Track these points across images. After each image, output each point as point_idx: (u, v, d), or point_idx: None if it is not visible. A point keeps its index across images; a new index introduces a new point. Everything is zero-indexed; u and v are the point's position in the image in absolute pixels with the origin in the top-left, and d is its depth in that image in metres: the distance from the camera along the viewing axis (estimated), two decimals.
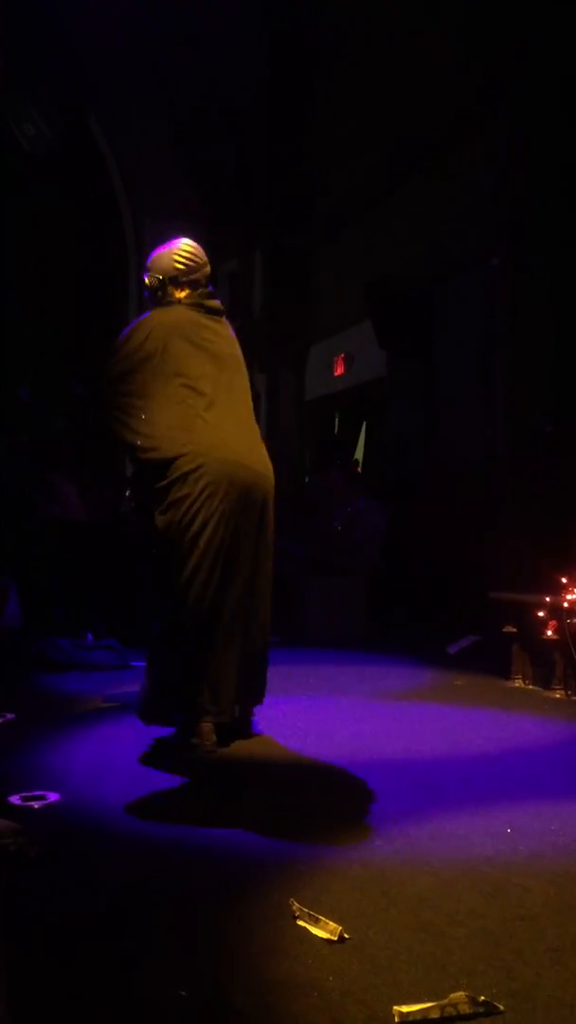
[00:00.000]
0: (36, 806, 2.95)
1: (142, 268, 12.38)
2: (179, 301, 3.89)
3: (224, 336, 3.93)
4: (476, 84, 7.04)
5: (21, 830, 2.52)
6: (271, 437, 9.79)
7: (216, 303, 3.97)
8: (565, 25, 6.30)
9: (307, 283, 10.13)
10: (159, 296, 3.93)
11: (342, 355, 9.35)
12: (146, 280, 3.99)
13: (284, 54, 9.69)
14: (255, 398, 10.70)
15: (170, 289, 3.90)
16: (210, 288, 3.99)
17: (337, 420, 10.20)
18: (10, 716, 4.30)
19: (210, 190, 11.06)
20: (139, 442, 3.66)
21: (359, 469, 8.83)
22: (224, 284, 11.21)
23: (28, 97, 8.76)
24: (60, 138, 9.03)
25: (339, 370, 9.45)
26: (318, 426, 10.33)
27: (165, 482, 3.58)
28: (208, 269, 3.97)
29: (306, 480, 9.62)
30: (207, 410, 3.68)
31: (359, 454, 9.59)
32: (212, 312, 3.93)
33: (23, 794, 3.01)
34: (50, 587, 6.74)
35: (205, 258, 3.97)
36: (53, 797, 3.03)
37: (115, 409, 3.75)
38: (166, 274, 3.90)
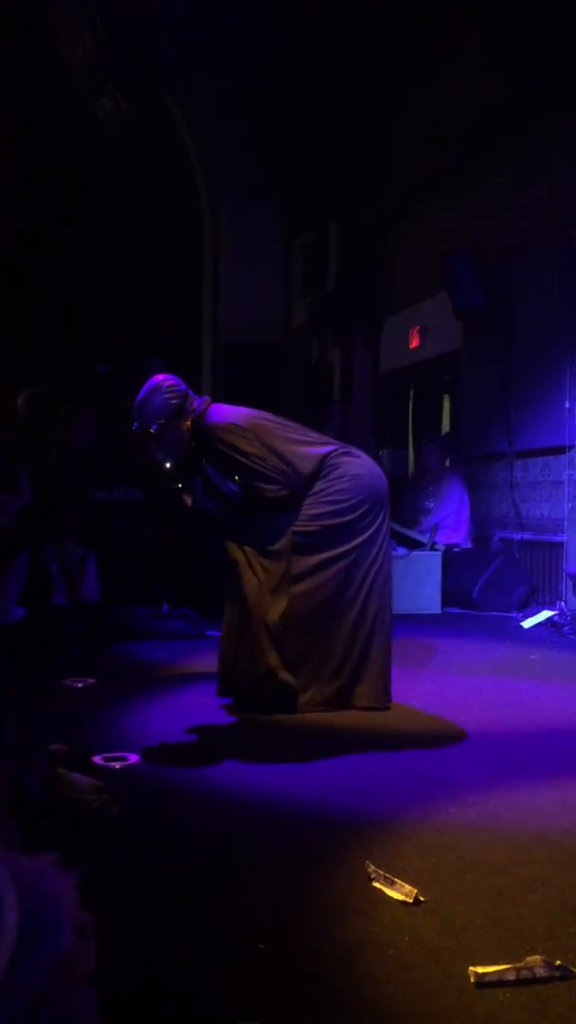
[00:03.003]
0: (117, 766, 3.04)
1: (218, 243, 12.37)
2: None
3: None
4: (555, 54, 6.86)
5: (104, 788, 2.61)
6: (346, 411, 9.78)
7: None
8: None
9: (382, 255, 10.04)
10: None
11: (417, 328, 9.27)
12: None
13: (359, 25, 9.56)
14: (329, 371, 10.71)
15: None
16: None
17: (412, 394, 10.12)
18: (91, 681, 4.43)
19: (285, 163, 11.02)
20: None
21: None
22: (299, 257, 11.18)
23: (106, 73, 8.81)
24: (138, 113, 9.07)
25: (414, 343, 9.37)
26: (393, 400, 10.26)
27: None
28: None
29: (379, 455, 9.58)
30: None
31: (445, 428, 9.50)
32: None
33: (105, 755, 3.11)
34: (128, 557, 6.86)
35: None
36: (133, 759, 3.12)
37: None
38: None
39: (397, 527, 7.34)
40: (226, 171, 11.17)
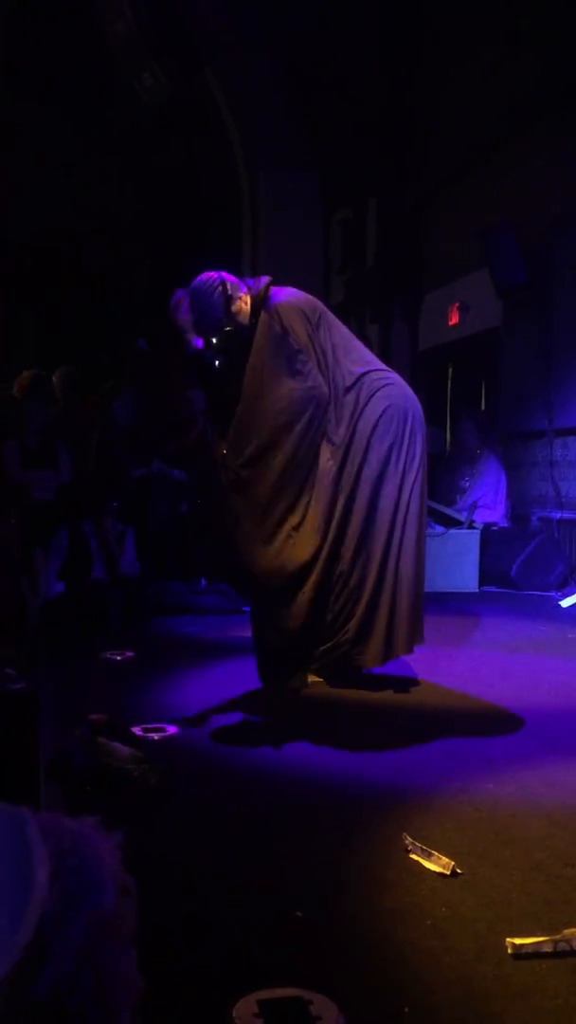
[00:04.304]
0: (156, 738, 3.08)
1: (256, 217, 12.22)
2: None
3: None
4: None
5: (144, 758, 2.64)
6: None
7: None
8: None
9: (422, 231, 9.94)
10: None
11: (457, 304, 9.17)
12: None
13: (402, 0, 9.43)
14: (367, 348, 10.59)
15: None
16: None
17: (451, 371, 10.04)
18: (130, 654, 4.47)
19: (324, 137, 10.93)
20: None
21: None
22: (337, 232, 11.11)
23: (146, 48, 8.78)
24: (177, 88, 9.03)
25: (453, 320, 9.27)
26: (431, 377, 10.19)
27: None
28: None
29: None
30: None
31: (484, 406, 9.42)
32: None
33: (144, 726, 3.14)
34: (166, 533, 6.91)
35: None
36: (172, 730, 3.16)
37: None
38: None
39: (434, 505, 7.30)
40: (265, 146, 11.09)
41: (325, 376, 3.69)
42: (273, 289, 3.78)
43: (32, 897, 1.06)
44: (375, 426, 3.70)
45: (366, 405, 3.71)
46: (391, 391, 3.78)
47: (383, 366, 3.93)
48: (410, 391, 3.90)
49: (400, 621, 3.69)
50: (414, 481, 3.75)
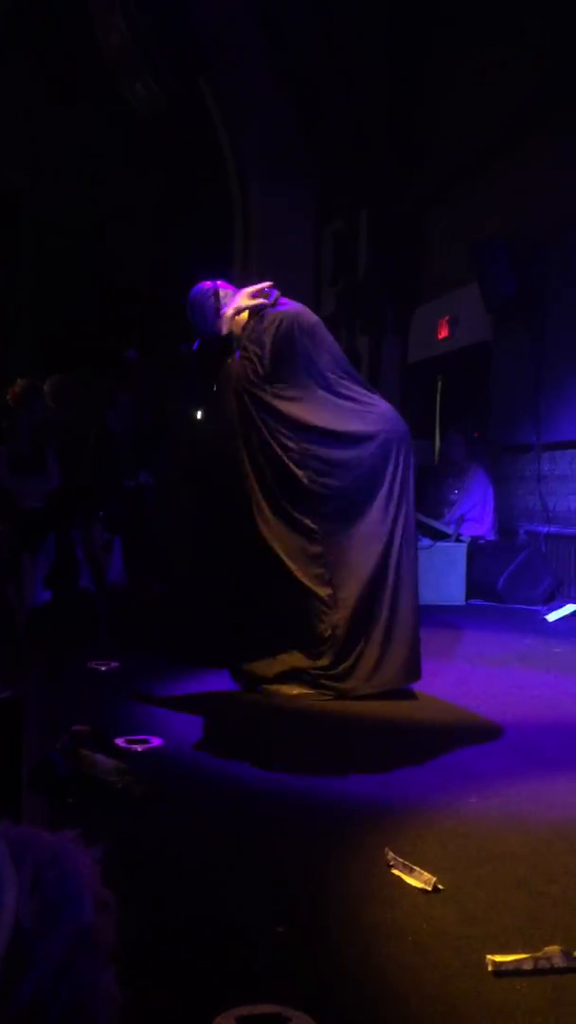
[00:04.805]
0: (139, 749, 3.06)
1: (248, 229, 12.21)
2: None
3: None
4: None
5: (126, 770, 2.63)
6: None
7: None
8: None
9: (414, 243, 9.98)
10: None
11: (446, 317, 9.20)
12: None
13: (400, 10, 9.47)
14: (357, 360, 10.66)
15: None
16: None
17: (440, 384, 10.07)
18: (115, 664, 4.45)
19: (316, 149, 10.96)
20: None
21: (476, 435, 8.72)
22: (329, 243, 11.14)
23: (139, 58, 8.78)
24: (171, 98, 9.03)
25: (443, 333, 9.30)
26: (421, 389, 10.20)
27: None
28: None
29: None
30: None
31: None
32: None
33: (128, 737, 3.13)
34: (155, 542, 6.89)
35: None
36: (156, 741, 3.14)
37: None
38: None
39: (422, 518, 7.30)
40: (258, 156, 11.12)
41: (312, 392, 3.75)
42: (280, 300, 3.88)
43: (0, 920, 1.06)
44: (371, 465, 3.76)
45: (371, 441, 3.78)
46: (386, 424, 3.85)
47: (377, 396, 4.01)
48: (403, 422, 3.96)
49: (398, 653, 3.74)
50: (407, 513, 3.83)
